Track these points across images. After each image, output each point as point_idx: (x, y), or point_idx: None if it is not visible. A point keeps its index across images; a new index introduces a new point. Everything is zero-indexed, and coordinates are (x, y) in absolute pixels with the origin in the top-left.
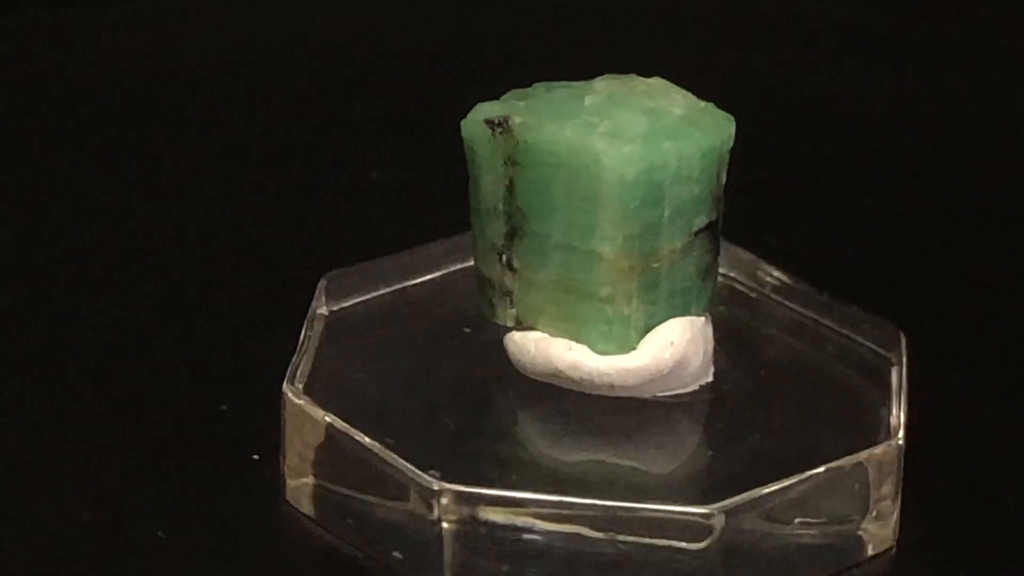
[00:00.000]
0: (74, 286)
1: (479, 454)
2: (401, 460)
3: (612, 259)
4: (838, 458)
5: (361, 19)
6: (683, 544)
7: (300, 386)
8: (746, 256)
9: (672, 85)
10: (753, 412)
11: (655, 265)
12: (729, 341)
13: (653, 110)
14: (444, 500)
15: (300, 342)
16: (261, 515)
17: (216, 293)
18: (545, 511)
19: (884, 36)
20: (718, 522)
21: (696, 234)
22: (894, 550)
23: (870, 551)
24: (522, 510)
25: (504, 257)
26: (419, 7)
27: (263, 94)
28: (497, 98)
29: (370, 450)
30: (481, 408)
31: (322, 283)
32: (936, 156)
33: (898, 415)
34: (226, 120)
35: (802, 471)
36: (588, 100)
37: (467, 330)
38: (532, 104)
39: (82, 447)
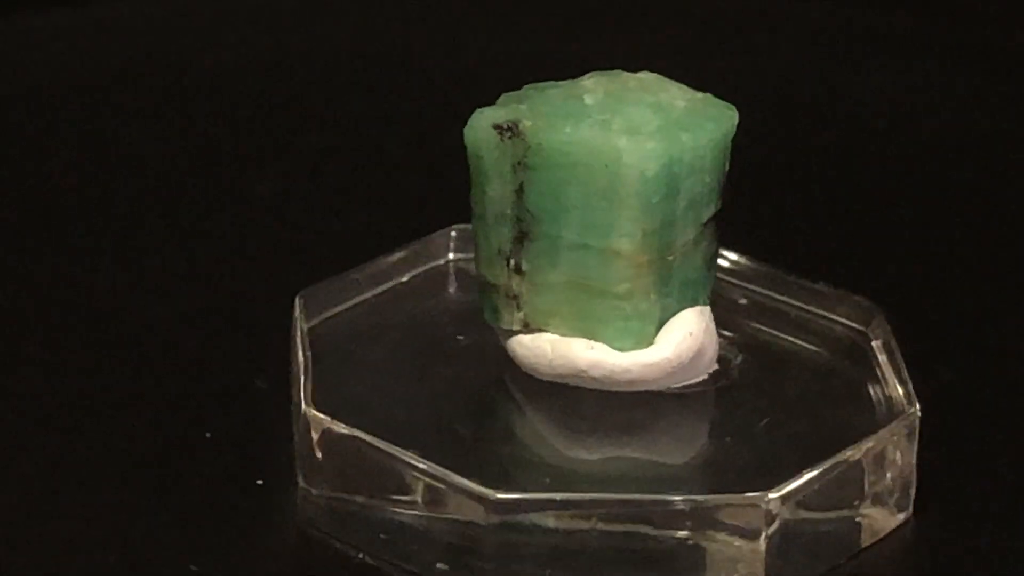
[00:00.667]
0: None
1: (502, 459)
2: (452, 473)
3: (631, 255)
4: (855, 437)
5: (340, 25)
6: (742, 530)
7: (313, 406)
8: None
9: (665, 79)
10: (761, 399)
11: (669, 258)
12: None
13: (658, 104)
14: (501, 508)
15: (300, 360)
16: (284, 539)
17: (187, 312)
18: (599, 511)
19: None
20: (774, 506)
21: (705, 225)
22: (911, 524)
23: (886, 529)
24: (576, 512)
25: (512, 261)
26: (388, 13)
27: (241, 100)
28: (483, 101)
29: (410, 463)
30: (489, 413)
31: (299, 299)
32: (911, 146)
33: (902, 388)
34: (199, 126)
35: (830, 452)
36: (589, 99)
37: (460, 337)
38: (533, 106)
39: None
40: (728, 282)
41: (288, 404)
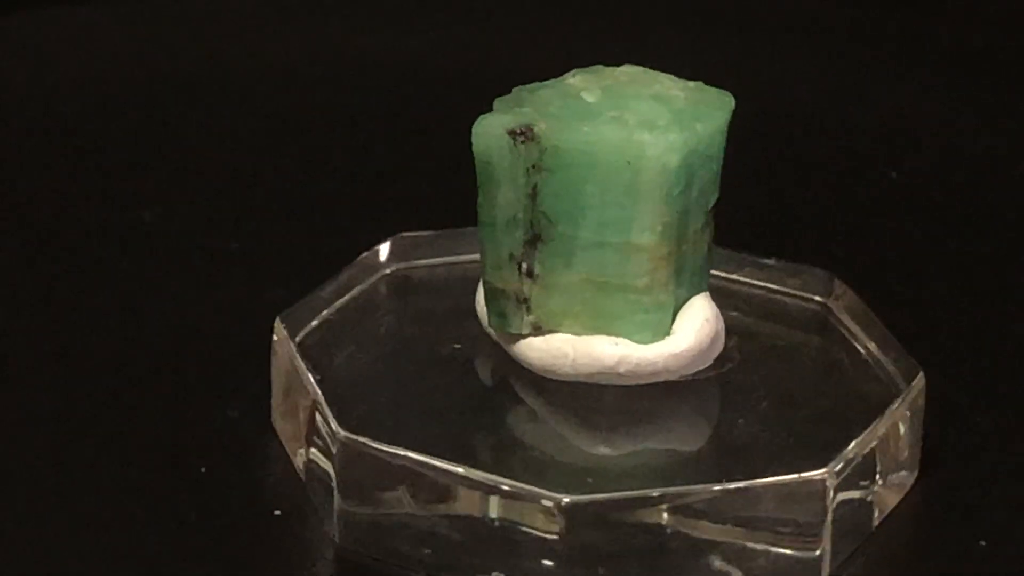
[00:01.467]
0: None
1: (534, 465)
2: (518, 482)
3: (652, 248)
4: (870, 408)
5: (319, 33)
6: (800, 510)
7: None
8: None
9: (648, 70)
10: (762, 378)
11: (683, 248)
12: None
13: (661, 96)
14: (572, 513)
15: (315, 386)
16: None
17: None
18: (665, 505)
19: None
20: (831, 483)
21: (709, 211)
22: (924, 488)
23: (892, 502)
24: (650, 509)
25: (524, 265)
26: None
27: (232, 104)
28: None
29: (470, 478)
30: (504, 419)
31: (278, 322)
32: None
33: (901, 364)
34: (199, 126)
35: (852, 425)
36: (589, 97)
37: (457, 346)
38: (538, 109)
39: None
40: None
41: (262, 429)
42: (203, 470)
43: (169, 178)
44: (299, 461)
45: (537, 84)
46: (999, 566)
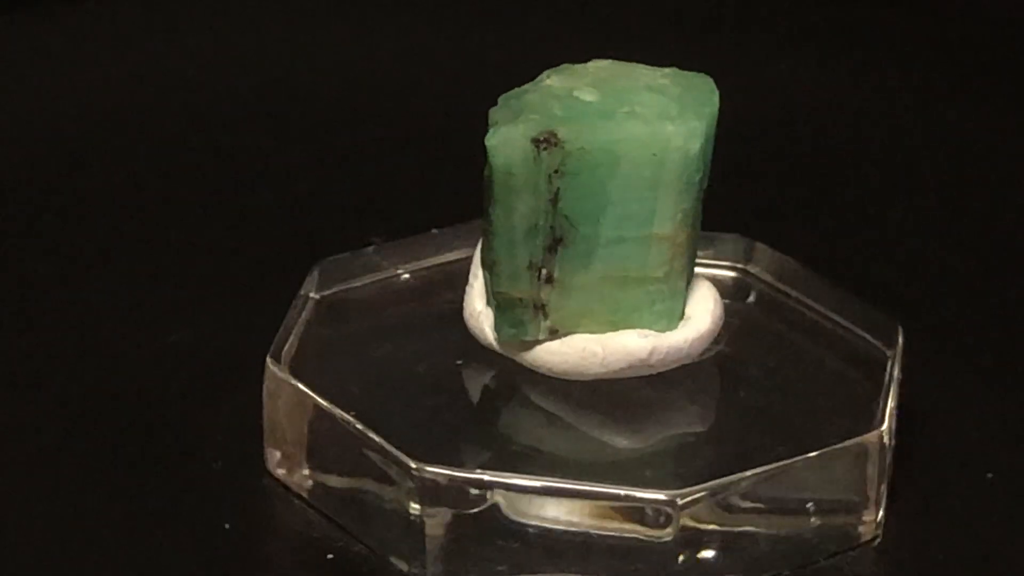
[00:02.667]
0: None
1: (556, 461)
2: (624, 487)
3: (671, 237)
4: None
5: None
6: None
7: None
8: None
9: (617, 61)
10: (756, 358)
11: (693, 233)
12: None
13: (653, 87)
14: (676, 508)
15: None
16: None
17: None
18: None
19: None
20: (887, 438)
21: (700, 194)
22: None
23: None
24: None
25: (544, 271)
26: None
27: (245, 104)
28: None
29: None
30: (531, 426)
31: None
32: (934, 154)
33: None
34: (218, 119)
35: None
36: (587, 96)
37: (459, 362)
38: (544, 114)
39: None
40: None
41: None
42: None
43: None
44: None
45: (517, 90)
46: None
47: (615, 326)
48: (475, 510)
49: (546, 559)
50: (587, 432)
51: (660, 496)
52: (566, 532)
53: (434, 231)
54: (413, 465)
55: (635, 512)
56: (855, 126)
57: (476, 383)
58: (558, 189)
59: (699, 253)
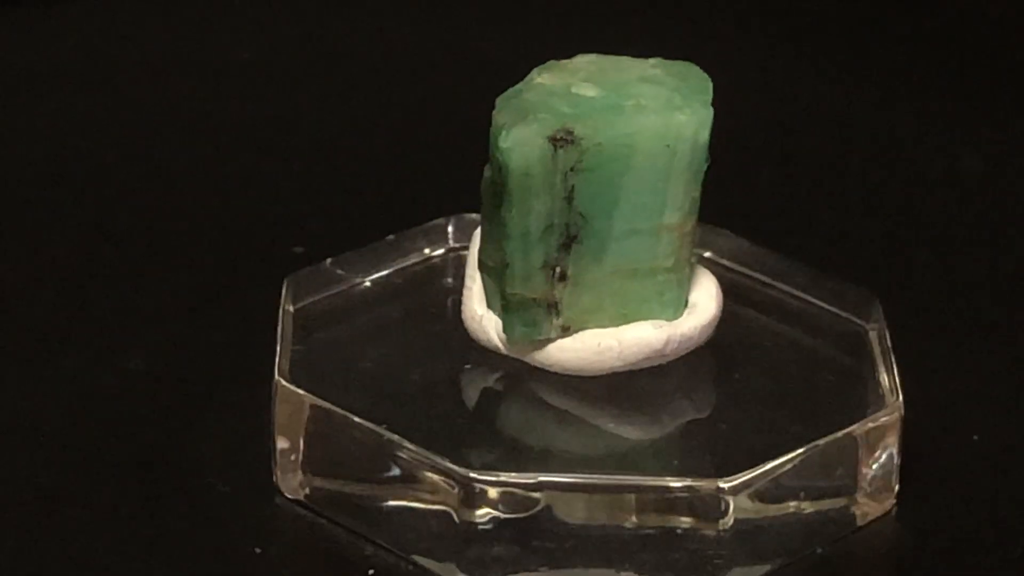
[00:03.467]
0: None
1: (612, 461)
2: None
3: (679, 225)
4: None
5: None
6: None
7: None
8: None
9: (602, 55)
10: (751, 349)
11: (696, 220)
12: None
13: (647, 78)
14: (724, 493)
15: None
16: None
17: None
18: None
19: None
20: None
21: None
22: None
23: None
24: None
25: (557, 269)
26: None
27: (232, 94)
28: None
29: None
30: (547, 424)
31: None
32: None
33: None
34: (196, 116)
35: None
36: (586, 91)
37: (468, 366)
38: (552, 113)
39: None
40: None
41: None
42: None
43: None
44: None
45: (512, 91)
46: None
47: (625, 319)
48: (524, 514)
49: (586, 555)
50: (600, 426)
51: (714, 484)
52: (605, 528)
53: (389, 237)
54: (473, 475)
55: (683, 503)
56: (837, 122)
57: (477, 385)
58: (573, 186)
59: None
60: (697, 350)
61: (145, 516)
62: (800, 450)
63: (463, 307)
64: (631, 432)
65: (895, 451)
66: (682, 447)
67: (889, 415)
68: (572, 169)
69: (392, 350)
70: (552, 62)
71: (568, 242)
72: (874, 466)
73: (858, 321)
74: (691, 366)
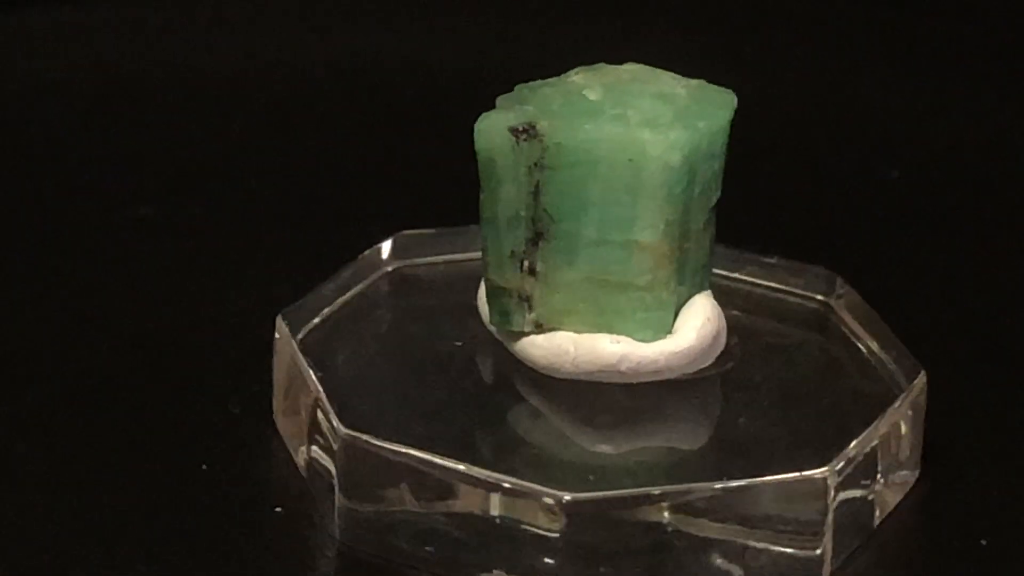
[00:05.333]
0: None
1: (534, 463)
2: (518, 479)
3: (654, 246)
4: (872, 408)
5: (335, 30)
6: (801, 508)
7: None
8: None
9: (650, 68)
10: (763, 377)
11: (686, 246)
12: None
13: (663, 94)
14: (572, 510)
15: (316, 383)
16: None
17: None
18: (666, 503)
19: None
20: (833, 481)
21: (712, 209)
22: (926, 486)
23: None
24: (651, 507)
25: (525, 263)
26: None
27: (233, 102)
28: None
29: (470, 475)
30: (505, 417)
31: (281, 320)
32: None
33: (903, 363)
34: (206, 126)
35: (853, 424)
36: (592, 95)
37: (458, 344)
38: (540, 106)
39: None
40: None
41: (263, 426)
42: (204, 467)
43: (170, 175)
44: (301, 458)
45: (540, 82)
46: (1000, 565)
47: (600, 328)
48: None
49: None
50: (560, 429)
51: (549, 497)
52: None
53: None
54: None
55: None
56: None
57: (468, 367)
58: (539, 182)
59: (788, 280)
60: (721, 377)
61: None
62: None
63: (479, 289)
64: (588, 442)
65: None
66: (606, 465)
67: (919, 385)
68: (536, 164)
69: (421, 324)
70: (601, 64)
71: (536, 238)
72: (902, 444)
73: (821, 299)
74: (702, 393)
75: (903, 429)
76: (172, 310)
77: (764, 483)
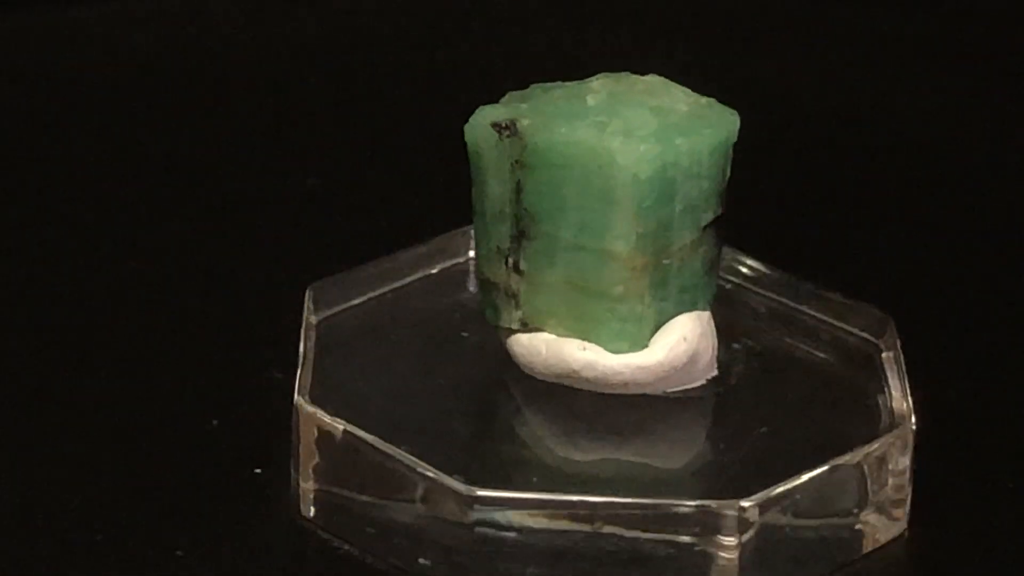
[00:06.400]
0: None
1: (493, 457)
2: (431, 467)
3: (626, 257)
4: (850, 447)
5: (354, 19)
6: (718, 539)
7: (308, 398)
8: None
9: (670, 82)
10: (760, 405)
11: (666, 262)
12: (722, 335)
13: (659, 108)
14: (476, 504)
15: (302, 353)
16: (277, 530)
17: (200, 305)
18: (574, 512)
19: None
20: (752, 515)
21: (704, 229)
22: (906, 535)
23: (879, 541)
24: (549, 511)
25: (510, 260)
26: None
27: (252, 96)
28: (492, 100)
29: (396, 459)
30: (488, 411)
31: (309, 292)
32: (917, 147)
33: (904, 400)
34: (214, 122)
35: (821, 461)
36: (591, 100)
37: (464, 334)
38: (535, 105)
39: (79, 463)
40: (745, 288)
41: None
42: (215, 422)
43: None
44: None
45: (558, 84)
46: None
47: (578, 333)
48: None
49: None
50: (536, 432)
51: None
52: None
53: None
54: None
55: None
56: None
57: (462, 358)
58: (520, 180)
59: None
60: (717, 396)
61: (158, 520)
62: (813, 473)
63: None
64: (556, 446)
65: (907, 473)
66: (561, 470)
67: (900, 436)
68: (517, 162)
69: (437, 313)
70: (624, 73)
71: (519, 235)
72: (884, 488)
73: (871, 340)
74: (688, 411)
75: (888, 470)
76: (218, 289)
77: (659, 505)
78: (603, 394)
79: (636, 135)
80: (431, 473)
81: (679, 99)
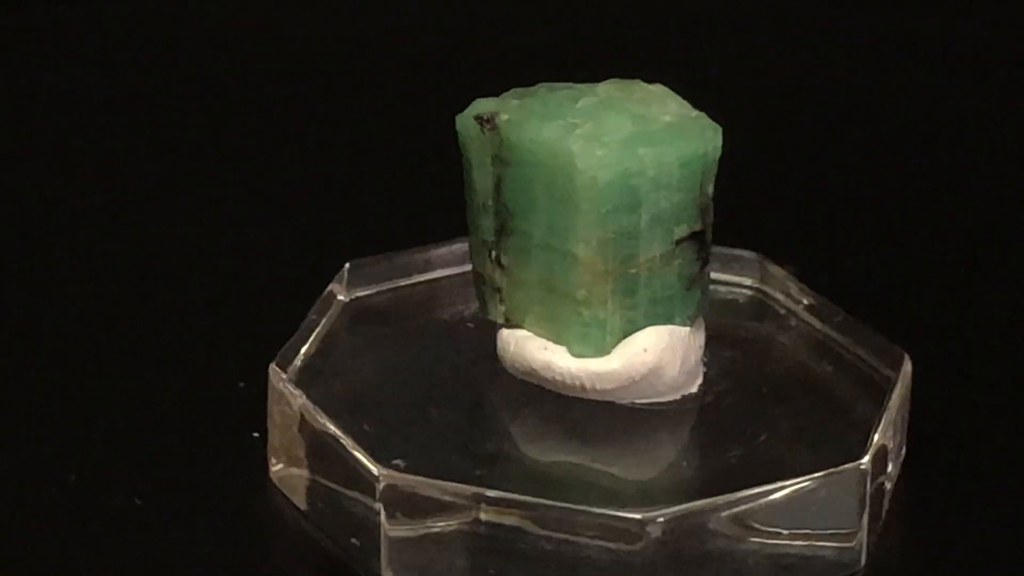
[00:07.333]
0: (73, 272)
1: (453, 447)
2: (355, 446)
3: (587, 261)
4: (798, 473)
5: (368, 16)
6: (620, 547)
7: (289, 369)
8: (776, 271)
9: (672, 93)
10: (734, 425)
11: (632, 271)
12: (732, 351)
13: (641, 116)
14: (383, 488)
15: (302, 326)
16: (246, 493)
17: (237, 279)
18: (496, 506)
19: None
20: (654, 530)
21: (678, 243)
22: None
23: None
24: (466, 503)
25: (494, 254)
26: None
27: (273, 91)
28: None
29: (329, 434)
30: (468, 404)
31: (343, 270)
32: (962, 165)
33: (874, 438)
34: (242, 115)
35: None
36: (581, 102)
37: (470, 325)
38: (527, 103)
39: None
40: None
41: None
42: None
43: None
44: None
45: (566, 84)
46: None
47: (552, 335)
48: None
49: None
50: (505, 428)
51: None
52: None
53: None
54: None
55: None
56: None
57: (457, 352)
58: (499, 176)
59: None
60: (702, 408)
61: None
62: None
63: None
64: (521, 446)
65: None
66: (510, 469)
67: (853, 468)
68: (497, 156)
69: (442, 311)
70: (634, 80)
71: (500, 229)
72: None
73: (884, 372)
74: (666, 425)
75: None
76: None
77: (574, 511)
78: (586, 402)
79: (601, 140)
80: (359, 454)
81: (668, 110)
